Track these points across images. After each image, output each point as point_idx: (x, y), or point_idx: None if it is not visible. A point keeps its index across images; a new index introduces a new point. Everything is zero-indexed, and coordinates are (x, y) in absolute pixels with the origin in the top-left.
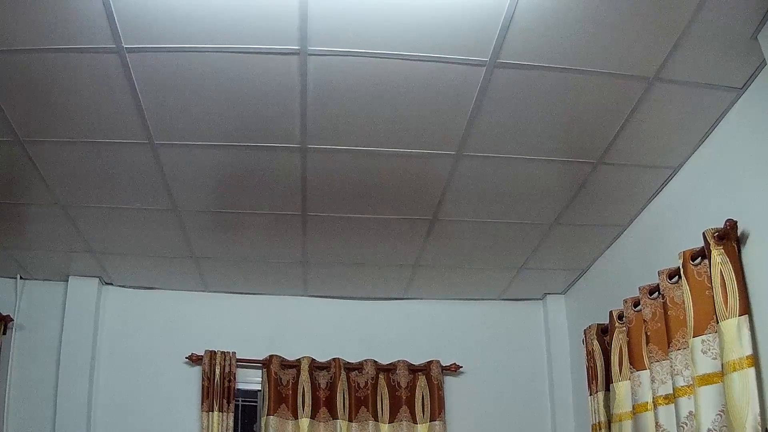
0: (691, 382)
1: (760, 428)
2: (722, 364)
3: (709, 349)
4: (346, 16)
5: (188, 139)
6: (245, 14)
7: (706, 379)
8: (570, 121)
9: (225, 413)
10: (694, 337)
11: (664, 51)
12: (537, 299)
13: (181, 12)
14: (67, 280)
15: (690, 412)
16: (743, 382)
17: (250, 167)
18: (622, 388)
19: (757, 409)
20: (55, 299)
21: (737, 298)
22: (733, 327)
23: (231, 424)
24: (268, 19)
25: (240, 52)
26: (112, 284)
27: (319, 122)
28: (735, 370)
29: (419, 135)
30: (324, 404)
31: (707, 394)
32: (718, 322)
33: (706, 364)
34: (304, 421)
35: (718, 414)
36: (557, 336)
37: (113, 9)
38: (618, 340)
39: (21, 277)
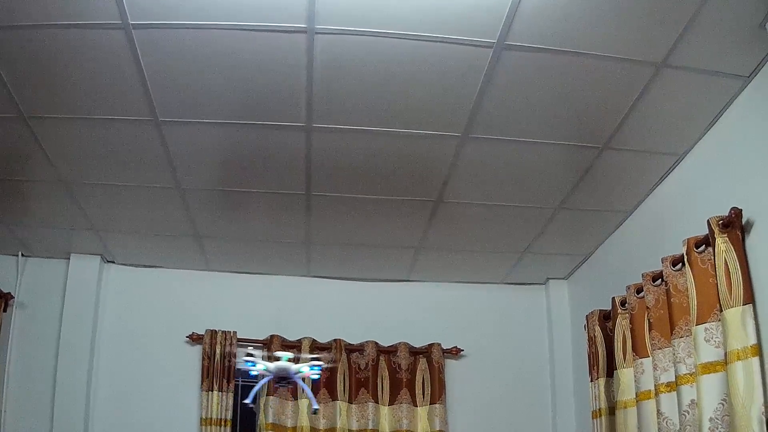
0: (694, 370)
1: (764, 418)
2: (725, 353)
3: (712, 338)
4: None
5: (193, 117)
6: None
7: (708, 368)
8: (576, 105)
9: (225, 393)
10: (697, 325)
11: (672, 37)
12: (540, 284)
13: None
14: (69, 258)
15: (692, 401)
16: (747, 372)
17: (255, 146)
18: (626, 375)
19: (762, 399)
20: (57, 277)
21: (741, 286)
22: (737, 316)
23: (231, 404)
24: None
25: (247, 30)
26: (114, 262)
27: (325, 101)
28: (739, 359)
29: (425, 116)
30: (324, 385)
31: (710, 383)
32: (721, 311)
33: (708, 353)
34: (304, 402)
35: (720, 403)
36: (559, 321)
37: None
38: (621, 327)
39: (22, 255)
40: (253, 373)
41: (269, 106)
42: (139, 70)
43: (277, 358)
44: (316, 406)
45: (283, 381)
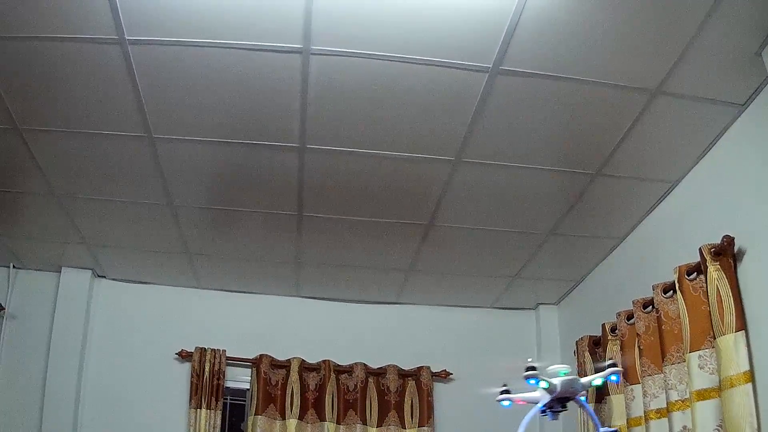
0: (686, 396)
1: None
2: (720, 380)
3: (706, 365)
4: (350, 16)
5: (186, 134)
6: (250, 10)
7: (703, 394)
8: (570, 131)
9: (213, 411)
10: (690, 352)
11: (667, 64)
12: (530, 309)
13: (185, 5)
14: (60, 271)
15: (684, 427)
16: (741, 398)
17: (248, 165)
18: (617, 401)
19: (755, 425)
20: (48, 290)
21: (734, 314)
22: (730, 343)
23: (218, 422)
24: (273, 16)
25: (243, 49)
26: (104, 277)
27: (319, 122)
28: (733, 386)
29: (418, 139)
30: (312, 406)
31: (705, 409)
32: (715, 338)
33: (703, 379)
34: (292, 422)
35: (716, 429)
36: (549, 347)
37: (117, 0)
38: (611, 353)
39: (14, 267)
40: (505, 403)
41: (263, 126)
42: (134, 86)
43: (559, 375)
44: (606, 429)
45: (560, 402)
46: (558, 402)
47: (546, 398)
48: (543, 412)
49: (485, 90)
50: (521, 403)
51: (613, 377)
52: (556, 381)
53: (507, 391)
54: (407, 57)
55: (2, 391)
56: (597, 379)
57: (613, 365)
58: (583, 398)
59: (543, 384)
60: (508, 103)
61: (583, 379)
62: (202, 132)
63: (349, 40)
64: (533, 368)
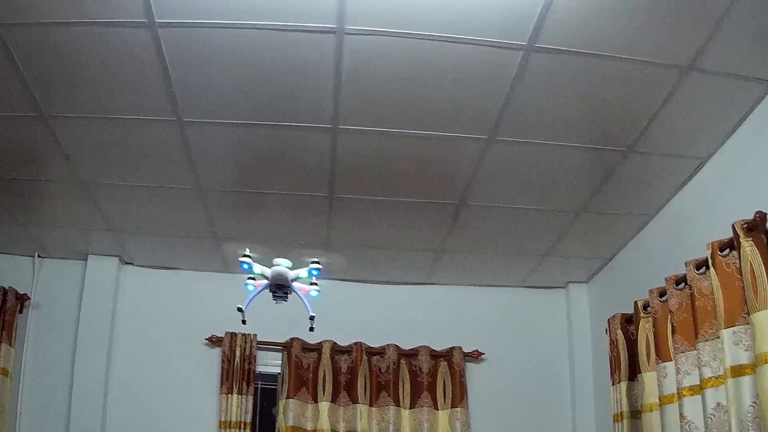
0: (720, 373)
1: None
2: (754, 356)
3: (741, 341)
4: None
5: (217, 117)
6: None
7: (737, 371)
8: (603, 108)
9: (244, 396)
10: (725, 328)
11: (699, 40)
12: (560, 287)
13: None
14: (86, 259)
15: (718, 404)
16: None
17: (279, 147)
18: (649, 378)
19: None
20: (73, 278)
21: (767, 290)
22: (765, 319)
23: (250, 407)
24: None
25: (275, 29)
26: (132, 264)
27: (352, 103)
28: (766, 363)
29: (452, 118)
30: (344, 388)
31: (740, 386)
32: (749, 314)
33: (738, 356)
34: (324, 405)
35: (751, 405)
36: (579, 325)
37: None
38: (644, 330)
39: (39, 256)
40: (250, 287)
41: (295, 107)
42: (164, 70)
43: (276, 266)
44: (312, 314)
45: (280, 291)
46: (278, 288)
47: (266, 282)
48: (275, 293)
49: (520, 68)
50: (257, 286)
51: (314, 271)
52: (268, 270)
53: (248, 256)
54: (441, 35)
55: (30, 381)
56: (303, 272)
57: (316, 263)
58: (308, 289)
59: (257, 269)
60: (542, 80)
61: (291, 272)
62: (233, 114)
63: (383, 20)
64: (248, 256)
